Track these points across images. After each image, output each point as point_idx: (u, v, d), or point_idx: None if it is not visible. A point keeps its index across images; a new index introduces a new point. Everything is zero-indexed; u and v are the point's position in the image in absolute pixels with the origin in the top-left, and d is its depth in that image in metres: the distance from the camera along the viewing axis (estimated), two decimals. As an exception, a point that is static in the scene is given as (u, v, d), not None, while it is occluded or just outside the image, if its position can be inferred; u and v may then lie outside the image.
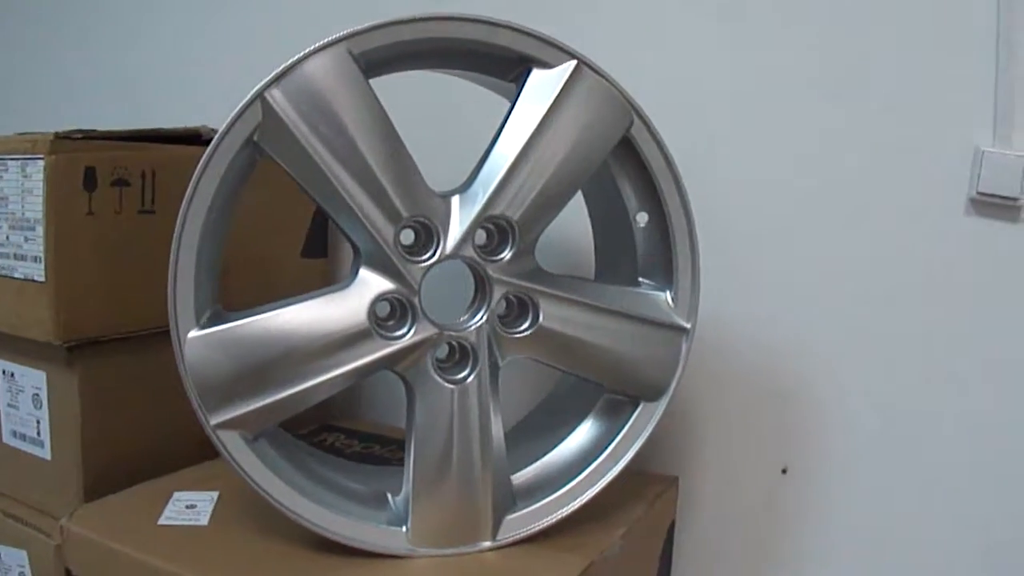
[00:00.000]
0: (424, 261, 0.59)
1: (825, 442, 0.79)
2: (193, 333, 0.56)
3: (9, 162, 0.68)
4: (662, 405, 0.66)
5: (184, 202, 0.55)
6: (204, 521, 0.65)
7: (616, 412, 0.67)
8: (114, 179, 0.70)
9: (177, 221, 0.55)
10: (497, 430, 0.62)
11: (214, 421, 0.56)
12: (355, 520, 0.60)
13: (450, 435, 0.61)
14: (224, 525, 0.65)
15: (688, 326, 0.65)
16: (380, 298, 0.58)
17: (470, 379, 0.60)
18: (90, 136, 0.70)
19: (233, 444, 0.57)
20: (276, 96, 0.54)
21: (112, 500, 0.70)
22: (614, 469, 0.65)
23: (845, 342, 0.78)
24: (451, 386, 0.60)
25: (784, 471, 0.80)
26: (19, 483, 0.78)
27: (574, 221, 0.72)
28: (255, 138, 0.56)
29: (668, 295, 0.66)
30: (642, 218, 0.67)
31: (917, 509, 0.77)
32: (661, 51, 0.83)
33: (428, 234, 0.59)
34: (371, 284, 0.58)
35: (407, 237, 0.60)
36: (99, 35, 1.28)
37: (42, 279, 0.68)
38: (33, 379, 0.74)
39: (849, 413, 0.78)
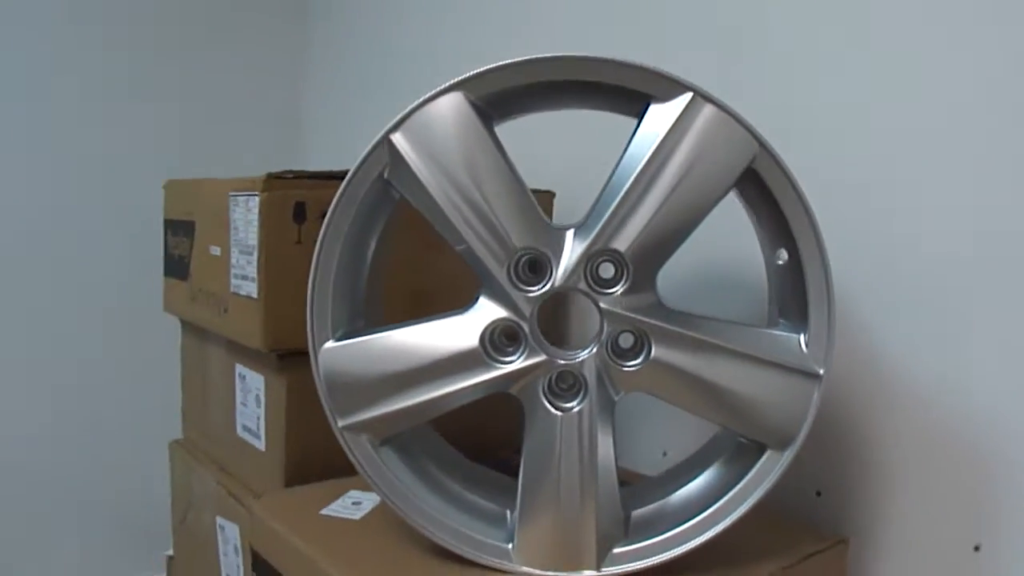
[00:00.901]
0: (535, 291, 0.63)
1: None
2: (328, 345, 0.66)
3: (239, 198, 0.84)
4: (789, 454, 0.63)
5: (322, 231, 0.65)
6: (358, 516, 0.75)
7: (743, 458, 0.66)
8: (322, 212, 0.82)
9: (315, 248, 0.65)
10: (606, 461, 0.64)
11: (341, 424, 0.66)
12: (465, 530, 0.65)
13: (555, 460, 0.64)
14: (371, 522, 0.74)
15: (820, 372, 0.62)
16: (494, 324, 0.64)
17: (577, 408, 0.63)
18: (300, 175, 0.84)
19: (358, 447, 0.66)
20: (398, 139, 0.62)
21: (300, 489, 0.83)
22: (732, 515, 0.63)
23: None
24: (559, 413, 0.64)
25: (977, 548, 0.72)
26: (244, 469, 0.95)
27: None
28: (385, 175, 0.64)
29: (802, 338, 0.63)
30: (782, 255, 0.65)
31: None
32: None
33: (541, 266, 0.63)
34: (487, 311, 0.64)
35: (523, 268, 0.64)
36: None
37: (256, 296, 0.83)
38: (256, 382, 0.90)
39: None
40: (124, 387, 1.67)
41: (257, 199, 0.81)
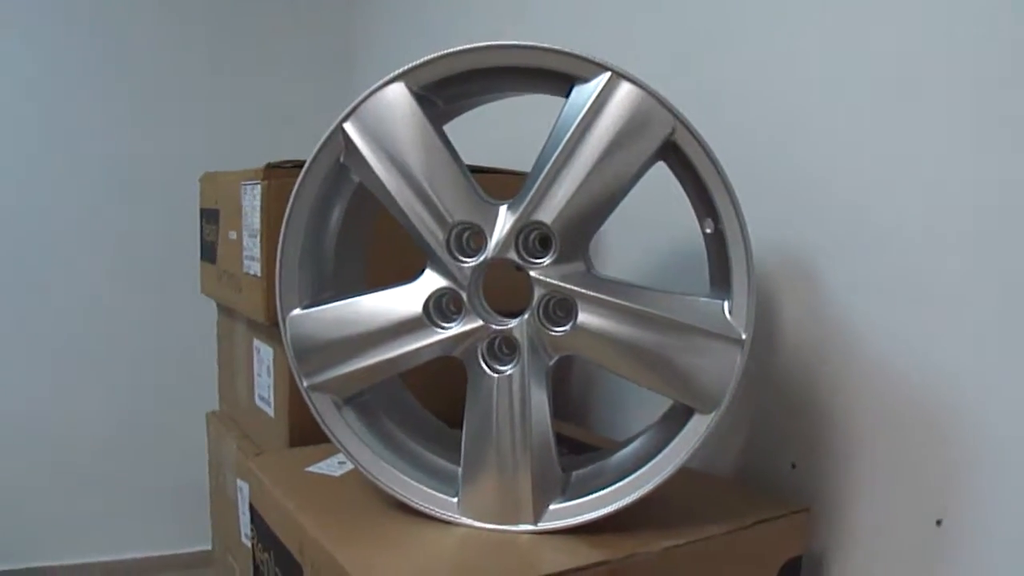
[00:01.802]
0: (471, 262, 0.70)
1: (984, 491, 0.71)
2: (295, 312, 0.74)
3: (247, 186, 0.94)
4: (715, 416, 0.67)
5: (286, 213, 0.73)
6: (338, 474, 0.84)
7: (674, 421, 0.70)
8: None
9: (282, 224, 0.73)
10: (540, 421, 0.70)
11: (306, 383, 0.74)
12: (416, 484, 0.73)
13: (492, 420, 0.71)
14: (348, 479, 0.82)
15: (743, 337, 0.66)
16: (436, 293, 0.71)
17: (510, 370, 0.70)
18: (298, 164, 0.92)
19: (323, 405, 0.75)
20: (350, 127, 0.70)
21: (296, 450, 0.93)
22: (660, 475, 0.68)
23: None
24: (494, 375, 0.70)
25: (939, 523, 0.73)
26: (260, 435, 1.05)
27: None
28: (342, 159, 0.72)
29: (726, 305, 0.67)
30: (708, 225, 0.69)
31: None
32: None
33: (477, 238, 0.70)
34: (430, 281, 0.72)
35: (465, 241, 0.71)
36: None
37: (260, 275, 0.92)
38: (267, 354, 1.00)
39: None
40: (174, 363, 1.87)
41: (259, 187, 0.91)
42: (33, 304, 1.81)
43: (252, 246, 0.95)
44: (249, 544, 0.95)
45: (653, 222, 1.02)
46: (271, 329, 0.96)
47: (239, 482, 1.05)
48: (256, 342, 1.04)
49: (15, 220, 1.78)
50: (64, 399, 1.86)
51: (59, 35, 1.78)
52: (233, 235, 1.01)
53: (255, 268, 0.94)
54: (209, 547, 1.37)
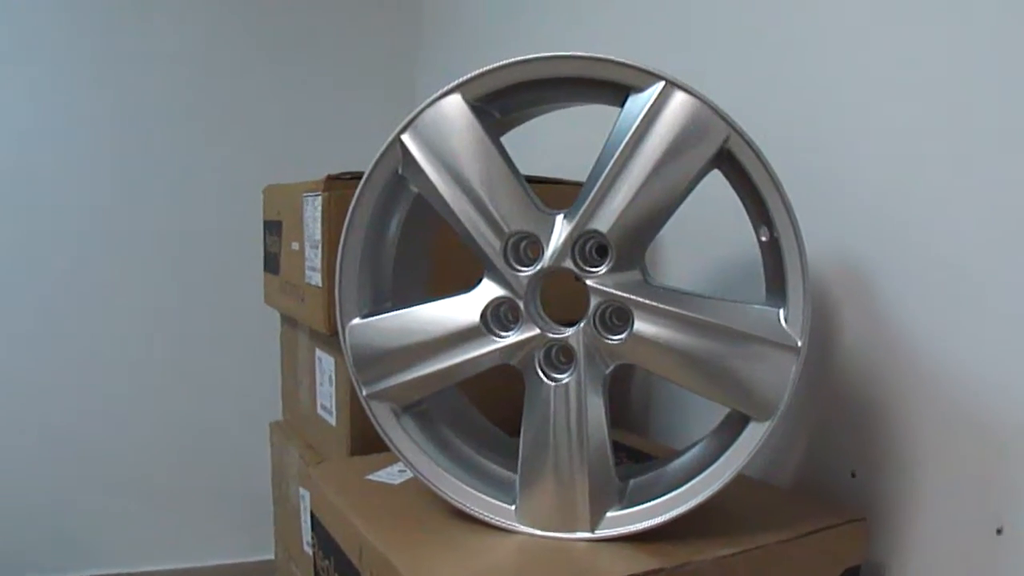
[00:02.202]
0: (527, 271, 0.71)
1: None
2: (354, 321, 0.77)
3: (308, 198, 0.97)
4: (771, 424, 0.67)
5: (345, 224, 0.76)
6: (397, 482, 0.85)
7: (730, 429, 0.71)
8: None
9: (342, 235, 0.76)
10: (597, 429, 0.71)
11: (366, 392, 0.77)
12: (474, 491, 0.75)
13: (550, 428, 0.72)
14: (407, 487, 0.84)
15: (799, 345, 0.66)
16: (493, 302, 0.73)
17: (567, 378, 0.71)
18: (357, 176, 0.95)
19: (382, 414, 0.77)
20: (407, 138, 0.73)
21: (357, 458, 0.95)
22: (716, 484, 0.69)
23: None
24: (551, 383, 0.72)
25: (999, 531, 0.72)
26: (322, 444, 1.08)
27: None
28: (400, 171, 0.74)
29: (782, 313, 0.67)
30: (764, 233, 0.69)
31: None
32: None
33: (533, 247, 0.72)
34: (488, 290, 0.73)
35: (523, 251, 0.72)
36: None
37: (321, 285, 0.95)
38: (329, 364, 1.03)
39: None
40: (238, 373, 1.93)
41: (320, 198, 0.94)
42: (99, 315, 1.88)
43: (313, 257, 0.98)
44: (311, 552, 0.97)
45: (710, 230, 1.02)
46: (332, 339, 0.98)
47: (301, 491, 1.08)
48: (318, 352, 1.06)
49: (79, 228, 1.85)
50: (131, 408, 1.92)
51: (129, 46, 1.85)
52: (295, 246, 1.04)
53: (316, 279, 0.96)
54: (272, 557, 1.41)
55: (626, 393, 1.21)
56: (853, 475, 0.86)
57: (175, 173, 1.90)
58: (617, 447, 0.99)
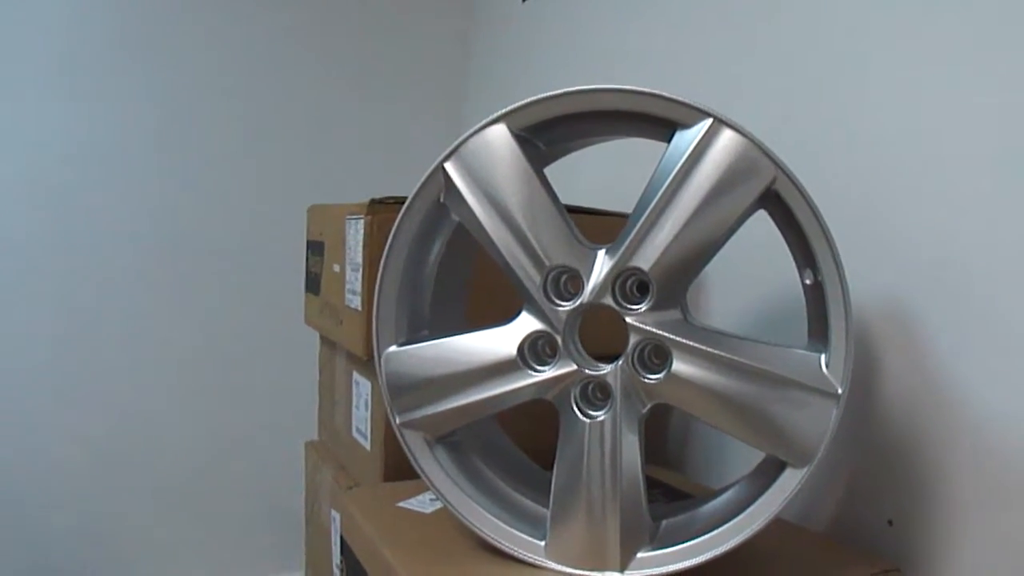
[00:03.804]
0: (567, 306, 0.71)
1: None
2: (390, 349, 0.77)
3: (351, 220, 0.98)
4: (807, 471, 0.66)
5: (385, 250, 0.76)
6: (429, 511, 0.86)
7: (766, 474, 0.70)
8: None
9: (382, 258, 0.76)
10: (631, 468, 0.71)
11: (399, 420, 0.77)
12: (504, 525, 0.74)
13: (583, 465, 0.72)
14: (438, 516, 0.84)
15: (839, 391, 0.65)
16: (531, 336, 0.73)
17: (603, 416, 0.71)
18: (400, 200, 0.95)
19: (415, 442, 0.77)
20: (450, 167, 0.73)
21: (391, 484, 0.95)
22: (749, 528, 0.68)
23: None
24: (586, 420, 0.71)
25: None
26: (356, 466, 1.09)
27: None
28: (441, 199, 0.75)
29: (823, 358, 0.67)
30: (808, 276, 0.68)
31: None
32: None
33: (574, 282, 0.72)
34: (526, 323, 0.73)
35: (563, 285, 0.73)
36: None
37: (360, 309, 0.96)
38: (366, 387, 1.03)
39: None
40: (276, 391, 1.94)
41: (362, 221, 0.95)
42: (140, 327, 1.91)
43: (354, 280, 0.99)
44: (339, 574, 0.98)
45: (754, 271, 1.01)
46: (369, 363, 0.99)
47: (332, 512, 1.08)
48: (355, 375, 1.07)
49: (124, 242, 1.88)
50: (169, 422, 1.95)
51: (179, 64, 1.89)
52: (337, 268, 1.05)
53: (356, 302, 0.98)
54: (302, 575, 1.42)
55: (664, 429, 1.20)
56: (890, 523, 0.85)
57: (222, 189, 1.93)
58: (653, 483, 0.98)
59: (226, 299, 1.93)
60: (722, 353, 0.68)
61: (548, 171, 0.77)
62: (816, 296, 0.68)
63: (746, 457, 0.87)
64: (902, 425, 0.84)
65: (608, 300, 0.70)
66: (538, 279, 0.72)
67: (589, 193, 1.14)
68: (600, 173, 1.26)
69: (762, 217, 0.70)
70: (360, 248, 0.96)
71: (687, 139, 0.67)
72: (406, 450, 0.77)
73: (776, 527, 0.69)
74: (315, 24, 1.97)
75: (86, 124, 1.80)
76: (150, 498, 1.93)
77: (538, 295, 0.72)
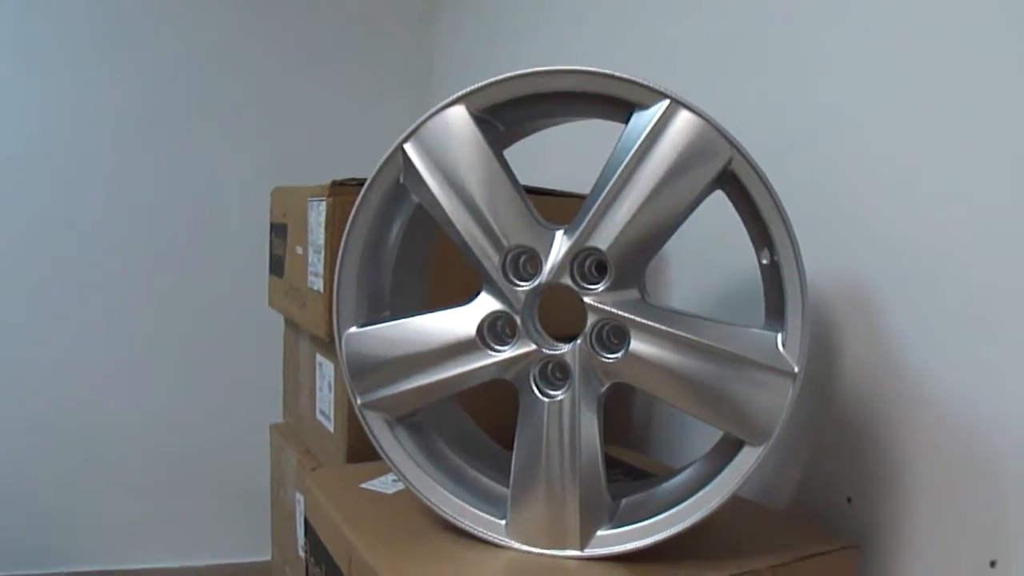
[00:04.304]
0: (525, 286, 0.71)
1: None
2: (351, 330, 0.77)
3: (313, 202, 0.98)
4: (764, 450, 0.67)
5: (345, 232, 0.76)
6: (390, 491, 0.86)
7: (725, 452, 0.71)
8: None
9: (341, 243, 0.76)
10: (590, 447, 0.71)
11: (360, 401, 0.77)
12: (465, 504, 0.75)
13: (542, 444, 0.72)
14: (400, 496, 0.85)
15: (796, 370, 0.66)
16: (490, 316, 0.73)
17: (562, 395, 0.71)
18: (362, 182, 0.95)
19: (376, 423, 0.77)
20: (410, 148, 0.73)
21: (354, 466, 0.95)
22: (707, 507, 0.69)
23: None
24: (545, 399, 0.72)
25: (993, 564, 0.71)
26: (320, 448, 1.09)
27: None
28: (401, 180, 0.75)
29: (779, 337, 0.67)
30: (765, 256, 0.69)
31: None
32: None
33: (532, 262, 0.72)
34: (485, 304, 0.73)
35: (522, 265, 0.73)
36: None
37: (322, 291, 0.96)
38: (328, 369, 1.03)
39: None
40: (243, 374, 1.94)
41: (324, 203, 0.95)
42: (102, 312, 1.90)
43: (316, 262, 0.98)
44: (304, 557, 0.98)
45: (713, 251, 1.02)
46: (332, 345, 0.98)
47: (297, 495, 1.08)
48: (319, 357, 1.07)
49: (84, 227, 1.87)
50: (133, 406, 1.94)
51: (141, 46, 1.87)
52: (299, 250, 1.05)
53: (319, 284, 0.97)
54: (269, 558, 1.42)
55: (628, 408, 1.21)
56: (849, 501, 0.86)
57: (185, 172, 1.92)
58: (615, 463, 1.00)
59: (191, 283, 1.92)
60: (679, 332, 0.68)
61: (512, 153, 0.77)
62: (773, 276, 0.69)
63: (709, 436, 0.88)
64: (861, 404, 0.85)
65: (566, 280, 0.70)
66: (497, 259, 0.72)
67: (555, 173, 1.14)
68: (565, 152, 1.26)
69: (720, 198, 0.70)
70: (322, 230, 0.96)
71: (644, 120, 0.67)
72: (367, 431, 0.78)
73: (736, 505, 0.70)
74: (277, 4, 1.96)
75: (42, 104, 1.78)
76: (118, 484, 1.93)
77: (497, 275, 0.72)
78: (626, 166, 0.67)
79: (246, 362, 1.92)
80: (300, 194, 1.05)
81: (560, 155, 1.27)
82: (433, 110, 0.72)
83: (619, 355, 0.70)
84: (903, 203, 0.80)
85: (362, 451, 0.96)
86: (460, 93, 0.72)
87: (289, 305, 1.13)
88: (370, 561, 0.71)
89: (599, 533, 0.72)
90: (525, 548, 0.73)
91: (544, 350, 0.72)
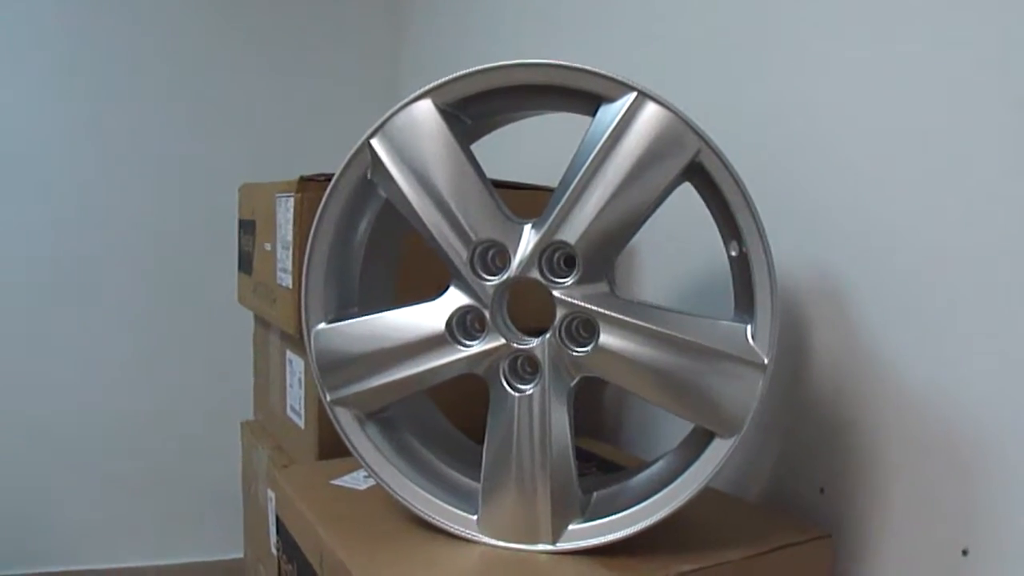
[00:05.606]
0: (494, 280, 0.71)
1: (1011, 521, 0.70)
2: (320, 327, 0.76)
3: (282, 198, 0.97)
4: (735, 441, 0.67)
5: (312, 228, 0.75)
6: (362, 488, 0.85)
7: (696, 445, 0.71)
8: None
9: (309, 240, 0.75)
10: (561, 441, 0.71)
11: (330, 398, 0.76)
12: (436, 500, 0.74)
13: (513, 438, 0.72)
14: (371, 493, 0.84)
15: (765, 362, 0.66)
16: (459, 311, 0.72)
17: (531, 389, 0.71)
18: (330, 178, 0.94)
19: (346, 420, 0.76)
20: (376, 143, 0.72)
21: (325, 462, 0.95)
22: (679, 499, 0.68)
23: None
24: (515, 394, 0.71)
25: (965, 552, 0.72)
26: (291, 445, 1.08)
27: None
28: (369, 176, 0.74)
29: (749, 329, 0.67)
30: (734, 247, 0.69)
31: None
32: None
33: (501, 256, 0.71)
34: (454, 299, 0.73)
35: (490, 260, 0.72)
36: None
37: (291, 287, 0.95)
38: (299, 365, 1.02)
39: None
40: (214, 371, 1.93)
41: (292, 199, 0.94)
42: (73, 310, 1.88)
43: (285, 258, 0.97)
44: (276, 554, 0.97)
45: (683, 243, 1.02)
46: (302, 341, 0.97)
47: (269, 492, 1.07)
48: (289, 353, 1.06)
49: (54, 223, 1.84)
50: (105, 405, 1.91)
51: (108, 42, 1.84)
52: (268, 247, 1.04)
53: (287, 280, 0.96)
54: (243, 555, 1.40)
55: (599, 401, 1.21)
56: (822, 491, 0.86)
57: (153, 169, 1.89)
58: (587, 456, 0.99)
59: (159, 281, 1.90)
60: (648, 325, 0.68)
61: (481, 146, 0.76)
62: (742, 268, 0.69)
63: (680, 428, 0.88)
64: (832, 395, 0.85)
65: (535, 274, 0.70)
66: (465, 254, 0.71)
67: (525, 167, 1.13)
68: (535, 145, 1.25)
69: (689, 190, 0.70)
70: (290, 226, 0.94)
71: (611, 113, 0.67)
72: (337, 427, 0.77)
73: (709, 497, 0.70)
74: (249, 1, 1.94)
75: (9, 99, 1.75)
76: (91, 482, 1.90)
77: (465, 270, 0.71)
78: (593, 159, 0.67)
79: (216, 359, 1.90)
80: (268, 190, 1.04)
81: (530, 148, 1.26)
82: (399, 105, 0.72)
83: (588, 348, 0.69)
84: (873, 194, 0.80)
85: (333, 447, 0.95)
86: (427, 87, 0.71)
87: (258, 302, 1.11)
88: (342, 557, 0.70)
89: (571, 527, 0.71)
90: (496, 543, 0.73)
91: (513, 344, 0.71)
